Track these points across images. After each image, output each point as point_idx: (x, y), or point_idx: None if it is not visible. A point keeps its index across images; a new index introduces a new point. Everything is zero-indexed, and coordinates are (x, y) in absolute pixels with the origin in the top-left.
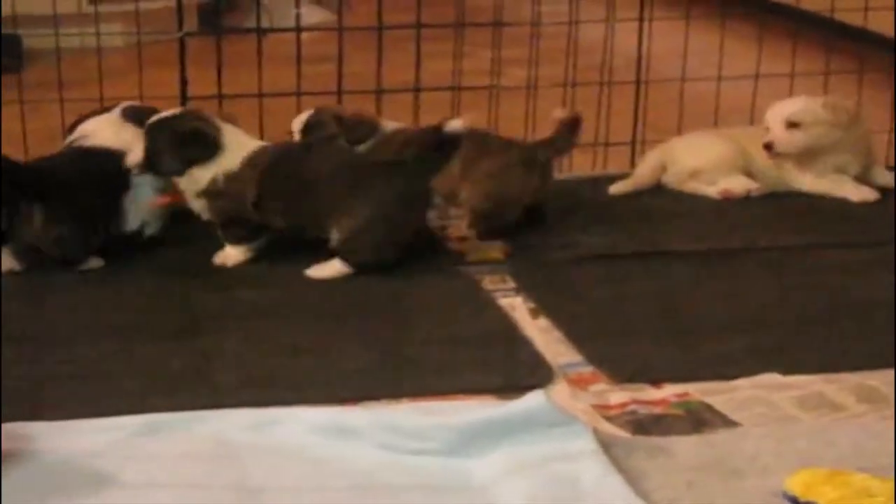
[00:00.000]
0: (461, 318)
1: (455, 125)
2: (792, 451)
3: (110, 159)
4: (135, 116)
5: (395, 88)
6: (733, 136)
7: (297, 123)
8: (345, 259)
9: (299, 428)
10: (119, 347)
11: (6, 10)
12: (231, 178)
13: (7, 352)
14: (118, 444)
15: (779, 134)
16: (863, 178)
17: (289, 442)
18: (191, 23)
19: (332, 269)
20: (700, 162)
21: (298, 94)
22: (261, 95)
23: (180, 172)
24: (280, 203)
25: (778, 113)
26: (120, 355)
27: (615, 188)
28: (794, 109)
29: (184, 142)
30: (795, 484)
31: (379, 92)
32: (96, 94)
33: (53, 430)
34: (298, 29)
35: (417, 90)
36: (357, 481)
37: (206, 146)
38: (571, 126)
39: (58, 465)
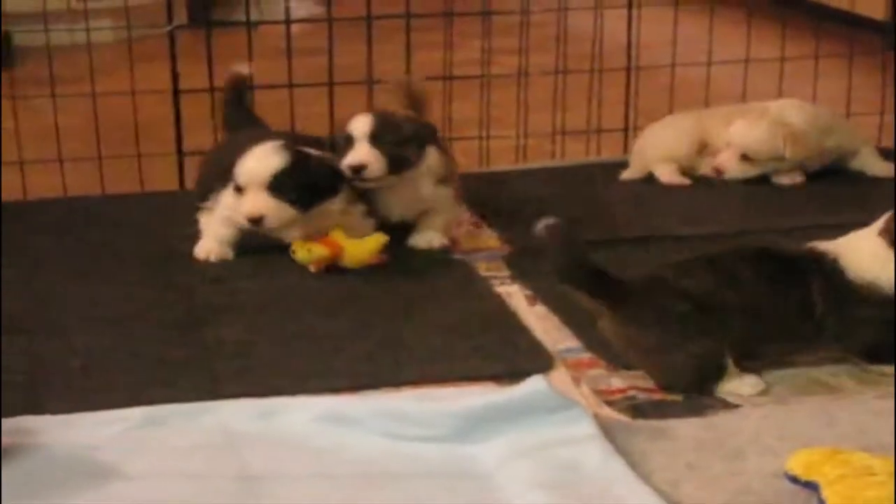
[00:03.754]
0: (459, 306)
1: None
2: (792, 431)
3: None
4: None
5: (385, 79)
6: (701, 116)
7: (360, 127)
8: None
9: (301, 417)
10: (119, 339)
11: None
12: None
13: (6, 344)
14: (119, 437)
15: (730, 163)
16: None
17: (290, 432)
18: (180, 16)
19: None
20: (658, 148)
21: (290, 86)
22: (252, 88)
23: None
24: None
25: (738, 139)
26: (120, 347)
27: (626, 175)
28: (753, 147)
29: None
30: (796, 464)
31: (370, 83)
32: (88, 90)
33: (54, 424)
34: (288, 21)
35: None
36: (360, 469)
37: None
38: None
39: (59, 459)
